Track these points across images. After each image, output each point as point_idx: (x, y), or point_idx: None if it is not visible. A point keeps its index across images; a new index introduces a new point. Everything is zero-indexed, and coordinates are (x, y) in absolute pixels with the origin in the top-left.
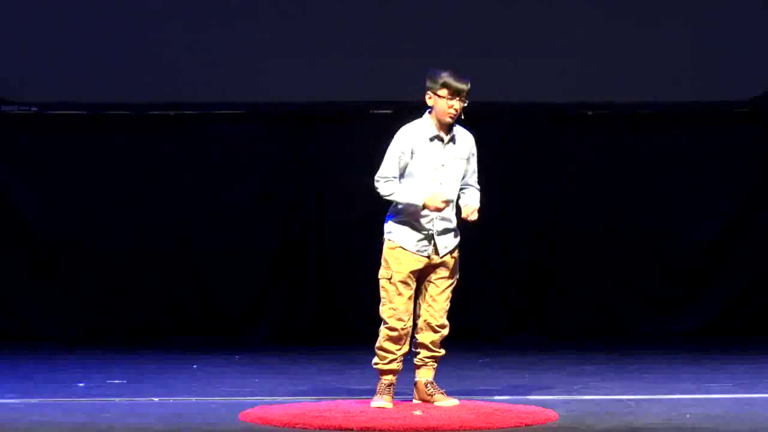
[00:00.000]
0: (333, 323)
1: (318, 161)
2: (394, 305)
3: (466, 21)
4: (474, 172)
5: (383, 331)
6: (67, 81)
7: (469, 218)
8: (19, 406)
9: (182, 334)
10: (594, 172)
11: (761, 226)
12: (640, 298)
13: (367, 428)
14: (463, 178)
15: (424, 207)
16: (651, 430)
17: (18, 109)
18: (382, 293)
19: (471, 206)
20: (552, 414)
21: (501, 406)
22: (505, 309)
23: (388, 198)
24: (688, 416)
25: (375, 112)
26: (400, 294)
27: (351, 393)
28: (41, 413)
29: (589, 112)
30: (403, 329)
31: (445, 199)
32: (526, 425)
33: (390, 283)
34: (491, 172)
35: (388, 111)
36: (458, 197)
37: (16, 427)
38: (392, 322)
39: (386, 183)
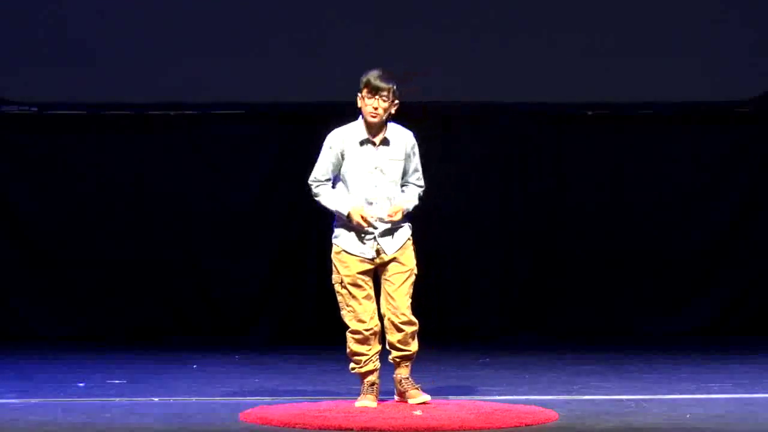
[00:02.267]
0: (333, 323)
1: None
2: (351, 308)
3: (465, 21)
4: (416, 170)
5: (348, 336)
6: (67, 81)
7: (388, 218)
8: (19, 406)
9: (182, 334)
10: (594, 172)
11: (761, 226)
12: (640, 298)
13: (367, 428)
14: (403, 177)
15: (349, 217)
16: (651, 430)
17: (18, 109)
18: (338, 298)
19: (394, 207)
20: (552, 414)
21: (501, 406)
22: (505, 309)
23: (319, 202)
24: (688, 416)
25: None
26: (353, 297)
27: (351, 393)
28: (41, 413)
29: (589, 112)
30: (366, 330)
31: (370, 217)
32: (526, 425)
33: (342, 287)
34: (491, 172)
35: None
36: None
37: (16, 427)
38: (354, 325)
39: (317, 187)
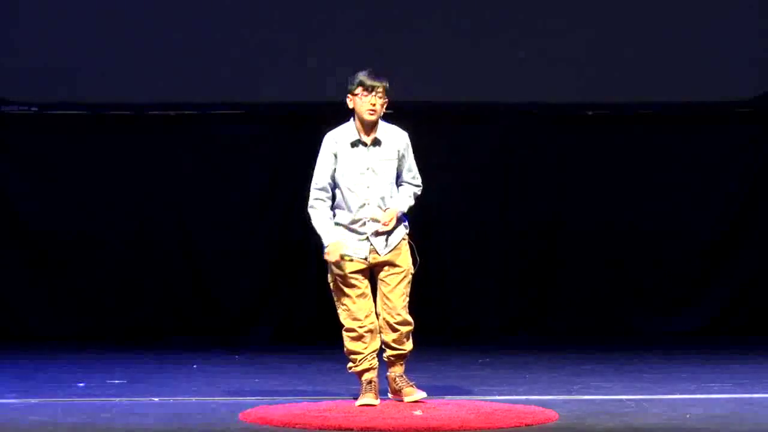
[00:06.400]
0: (333, 323)
1: None
2: (345, 307)
3: (465, 21)
4: (410, 169)
5: (343, 334)
6: (68, 81)
7: (384, 226)
8: (19, 406)
9: (182, 334)
10: (594, 172)
11: (761, 226)
12: (640, 298)
13: (367, 428)
14: (399, 176)
15: (327, 251)
16: (651, 430)
17: (18, 109)
18: (333, 296)
19: (387, 213)
20: (552, 414)
21: (501, 406)
22: (505, 309)
23: (309, 215)
24: (688, 416)
25: None
26: (347, 296)
27: (351, 393)
28: (41, 413)
29: (589, 112)
30: (361, 327)
31: (342, 255)
32: (526, 425)
33: (335, 285)
34: (491, 172)
35: (388, 111)
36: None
37: (16, 427)
38: (348, 323)
39: (315, 200)
